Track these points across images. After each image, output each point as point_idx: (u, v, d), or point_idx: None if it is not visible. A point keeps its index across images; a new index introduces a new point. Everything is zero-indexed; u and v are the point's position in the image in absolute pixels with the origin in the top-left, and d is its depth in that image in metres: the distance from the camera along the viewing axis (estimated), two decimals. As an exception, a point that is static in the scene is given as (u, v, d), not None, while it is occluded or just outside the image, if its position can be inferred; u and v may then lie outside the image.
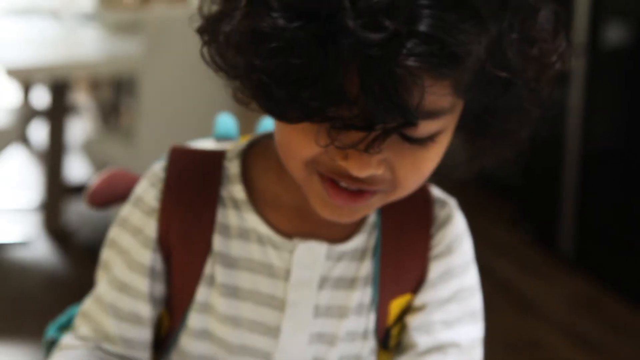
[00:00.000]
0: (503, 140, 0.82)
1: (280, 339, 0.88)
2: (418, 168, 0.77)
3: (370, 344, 0.90)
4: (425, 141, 0.74)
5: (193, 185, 0.88)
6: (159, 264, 0.89)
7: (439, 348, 0.88)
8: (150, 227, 0.88)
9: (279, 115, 0.73)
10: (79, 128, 4.45)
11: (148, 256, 0.88)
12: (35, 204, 3.65)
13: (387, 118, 0.68)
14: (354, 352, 0.90)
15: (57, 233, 3.41)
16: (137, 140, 3.00)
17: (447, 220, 0.90)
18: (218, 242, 0.87)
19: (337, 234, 0.87)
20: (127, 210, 0.90)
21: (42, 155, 3.75)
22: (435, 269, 0.89)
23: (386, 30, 0.66)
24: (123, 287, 0.89)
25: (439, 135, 0.75)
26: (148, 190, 0.89)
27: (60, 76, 3.22)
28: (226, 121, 1.00)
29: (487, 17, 0.70)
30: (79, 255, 3.27)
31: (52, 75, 3.21)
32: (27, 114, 3.64)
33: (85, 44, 3.61)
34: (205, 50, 0.77)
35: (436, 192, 0.92)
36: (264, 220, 0.87)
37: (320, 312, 0.88)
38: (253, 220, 0.87)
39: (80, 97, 4.76)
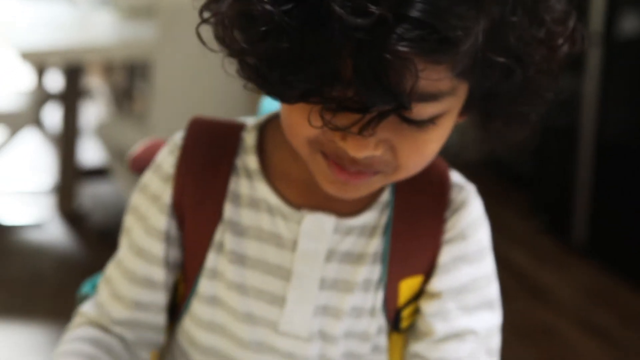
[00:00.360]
0: (513, 123, 0.81)
1: (286, 308, 0.88)
2: (419, 150, 0.77)
3: (379, 322, 0.90)
4: (425, 123, 0.74)
5: (209, 153, 0.90)
6: (173, 230, 0.91)
7: (457, 335, 0.88)
8: (166, 193, 0.90)
9: (275, 96, 0.73)
10: (93, 112, 4.46)
11: (164, 221, 0.90)
12: (48, 186, 3.66)
13: (380, 101, 0.68)
14: (361, 329, 0.90)
15: (70, 216, 3.42)
16: (150, 125, 3.00)
17: (463, 205, 0.89)
18: (229, 210, 0.89)
19: (346, 208, 0.87)
20: (147, 177, 0.93)
21: (55, 139, 3.76)
22: (448, 254, 0.88)
23: (372, 16, 0.65)
24: (140, 252, 0.91)
25: (440, 117, 0.75)
26: (166, 158, 0.91)
27: (74, 60, 3.23)
28: (271, 100, 1.01)
29: (485, 1, 0.69)
30: (92, 238, 3.28)
31: (66, 59, 3.21)
32: (41, 97, 3.65)
33: (99, 28, 3.61)
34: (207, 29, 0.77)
35: (456, 176, 0.91)
36: (275, 191, 0.88)
37: (326, 284, 0.88)
38: (264, 191, 0.88)
39: (94, 81, 4.77)
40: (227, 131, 0.91)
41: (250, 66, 0.72)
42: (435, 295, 0.89)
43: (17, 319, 2.70)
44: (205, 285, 0.90)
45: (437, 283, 0.89)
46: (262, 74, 0.71)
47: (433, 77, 0.69)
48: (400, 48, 0.65)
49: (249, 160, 0.89)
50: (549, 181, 3.50)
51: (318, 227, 0.87)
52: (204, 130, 0.91)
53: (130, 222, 0.93)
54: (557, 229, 3.40)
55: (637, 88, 3.03)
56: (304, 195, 0.87)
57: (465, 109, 0.79)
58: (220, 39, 0.75)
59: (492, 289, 0.91)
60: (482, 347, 0.89)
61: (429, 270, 0.89)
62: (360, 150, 0.74)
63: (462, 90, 0.76)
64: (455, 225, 0.89)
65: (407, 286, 0.89)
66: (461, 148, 4.40)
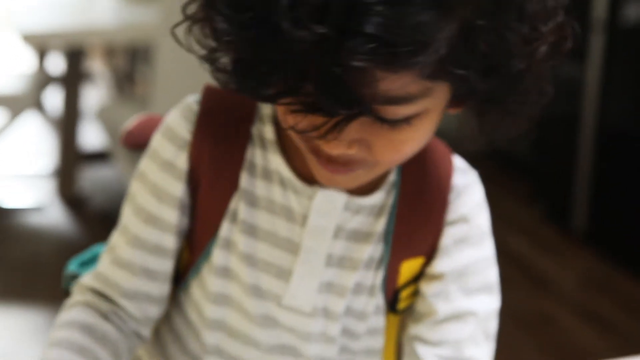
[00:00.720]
0: (506, 117, 0.80)
1: (291, 282, 0.88)
2: (395, 149, 0.76)
3: (377, 301, 0.90)
4: (399, 123, 0.73)
5: (226, 120, 0.89)
6: (186, 197, 0.90)
7: (457, 316, 0.88)
8: (182, 160, 0.89)
9: (250, 97, 0.75)
10: (94, 95, 4.45)
11: (180, 188, 0.89)
12: (49, 170, 3.66)
13: (342, 107, 0.68)
14: (359, 308, 0.90)
15: (70, 199, 3.42)
16: (151, 108, 2.99)
17: (466, 189, 0.90)
18: (244, 179, 0.88)
19: (358, 189, 0.86)
20: (157, 142, 0.90)
21: (56, 122, 3.75)
22: (450, 236, 0.89)
23: (316, 33, 0.65)
24: (149, 219, 0.90)
25: (416, 118, 0.73)
26: (180, 123, 0.89)
27: (76, 43, 3.22)
28: None
29: (454, 4, 0.67)
30: (92, 221, 3.28)
31: (67, 41, 3.20)
32: (42, 80, 3.64)
33: (101, 11, 3.60)
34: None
35: (459, 161, 0.92)
36: (289, 164, 0.87)
37: (332, 261, 0.88)
38: (277, 162, 0.87)
39: (96, 65, 4.76)
40: (243, 98, 0.88)
41: (222, 70, 0.74)
42: (436, 277, 0.89)
43: (17, 302, 2.71)
44: (218, 256, 0.89)
45: (439, 265, 0.89)
46: (232, 79, 0.73)
47: (396, 84, 0.69)
48: (353, 63, 0.65)
49: (266, 130, 0.88)
50: (550, 169, 3.50)
51: (329, 203, 0.87)
52: (220, 97, 0.90)
53: (137, 188, 0.91)
54: (558, 217, 3.40)
55: (639, 76, 3.02)
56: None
57: (455, 103, 0.78)
58: (196, 41, 0.76)
59: (492, 273, 0.91)
60: (481, 329, 0.90)
61: (430, 252, 0.89)
62: (334, 148, 0.74)
63: (441, 90, 0.74)
64: (458, 208, 0.89)
65: (408, 267, 0.90)
66: (461, 135, 4.39)
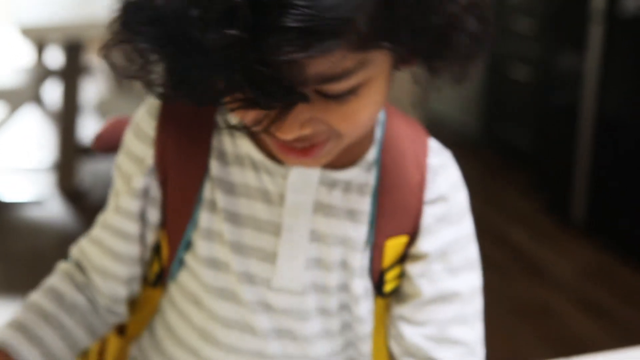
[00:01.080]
0: (453, 64, 0.79)
1: (277, 263, 0.89)
2: (350, 119, 0.76)
3: (365, 284, 0.91)
4: (344, 96, 0.73)
5: (189, 112, 0.90)
6: (154, 190, 0.92)
7: (443, 297, 0.90)
8: (149, 155, 0.91)
9: (190, 103, 0.76)
10: (93, 88, 4.45)
11: (141, 181, 0.92)
12: (48, 163, 3.66)
13: (277, 99, 0.69)
14: (350, 287, 0.91)
15: (70, 192, 3.42)
16: (150, 102, 2.99)
17: (442, 169, 0.91)
18: (216, 168, 0.90)
19: (329, 163, 0.87)
20: (127, 139, 0.94)
21: (55, 115, 3.75)
22: (430, 215, 0.90)
23: (229, 36, 0.65)
24: (117, 208, 0.94)
25: (361, 88, 0.74)
26: (145, 119, 0.92)
27: (75, 36, 3.21)
28: None
29: None
30: (92, 215, 3.25)
31: (66, 35, 3.20)
32: (41, 73, 3.64)
33: (99, 5, 3.59)
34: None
35: (432, 142, 0.93)
36: (258, 146, 0.88)
37: (315, 237, 0.89)
38: (247, 147, 0.89)
39: (94, 58, 4.75)
40: None
41: (154, 84, 0.75)
42: (420, 257, 0.90)
43: (17, 295, 2.71)
44: (203, 248, 0.91)
45: (422, 245, 0.90)
46: (165, 91, 0.74)
47: (327, 64, 0.69)
48: (278, 57, 0.65)
49: (230, 116, 0.89)
50: (549, 159, 3.50)
51: (304, 179, 0.88)
52: None
53: (115, 181, 0.96)
54: (557, 208, 3.40)
55: (638, 66, 3.02)
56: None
57: (401, 64, 0.78)
58: (119, 64, 0.76)
59: (473, 250, 0.93)
60: (465, 308, 0.91)
61: (412, 231, 0.90)
62: (287, 133, 0.74)
63: (379, 56, 0.74)
64: (436, 188, 0.90)
65: (392, 246, 0.91)
66: (462, 126, 4.40)
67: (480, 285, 0.93)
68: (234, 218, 0.90)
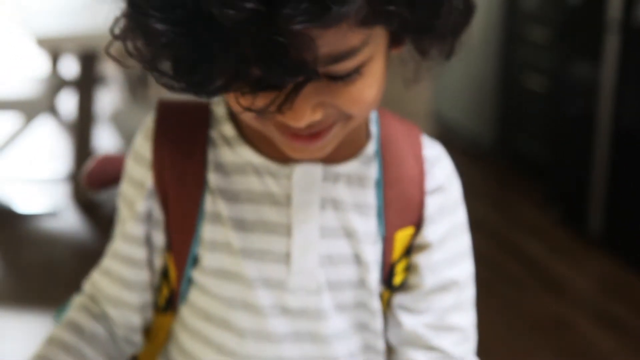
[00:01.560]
0: (440, 43, 0.82)
1: (291, 264, 0.90)
2: (358, 99, 0.78)
3: (377, 277, 0.92)
4: (350, 76, 0.76)
5: (181, 129, 0.92)
6: (156, 212, 0.93)
7: (443, 287, 0.93)
8: (146, 177, 0.93)
9: (197, 95, 0.75)
10: (108, 99, 4.46)
11: (144, 204, 0.93)
12: (63, 174, 3.67)
13: (288, 78, 0.70)
14: (364, 283, 0.92)
15: (85, 203, 3.43)
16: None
17: (438, 161, 0.95)
18: (215, 179, 0.91)
19: (330, 158, 0.89)
20: (128, 165, 0.96)
21: (70, 126, 3.76)
22: (432, 205, 0.93)
23: (247, 9, 0.66)
24: (124, 234, 0.95)
25: (365, 66, 0.77)
26: (143, 144, 0.94)
27: (89, 46, 3.22)
28: None
29: None
30: (106, 226, 3.28)
31: (81, 45, 3.21)
32: (56, 84, 3.65)
33: (114, 15, 3.60)
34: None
35: (425, 136, 0.96)
36: (258, 151, 0.90)
37: (326, 232, 0.90)
38: (247, 154, 0.90)
39: (109, 68, 4.77)
40: (196, 106, 0.94)
41: (165, 74, 0.74)
42: (424, 247, 0.93)
43: (32, 307, 2.71)
44: (212, 260, 0.91)
45: (427, 234, 0.93)
46: (177, 80, 0.74)
47: (336, 40, 0.72)
48: (291, 28, 0.67)
49: (225, 128, 0.91)
50: (565, 171, 3.48)
51: (308, 177, 0.89)
52: (173, 109, 0.94)
53: (120, 209, 0.97)
54: (573, 220, 3.38)
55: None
56: (285, 152, 0.88)
57: (395, 44, 0.82)
58: (131, 53, 0.76)
59: (467, 238, 0.96)
60: (462, 296, 0.95)
61: (417, 222, 0.93)
62: (298, 120, 0.76)
63: (379, 34, 0.77)
64: (434, 179, 0.93)
65: (401, 238, 0.93)
66: (476, 136, 4.39)
67: (473, 272, 0.97)
68: (241, 225, 0.90)
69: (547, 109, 3.73)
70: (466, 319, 0.95)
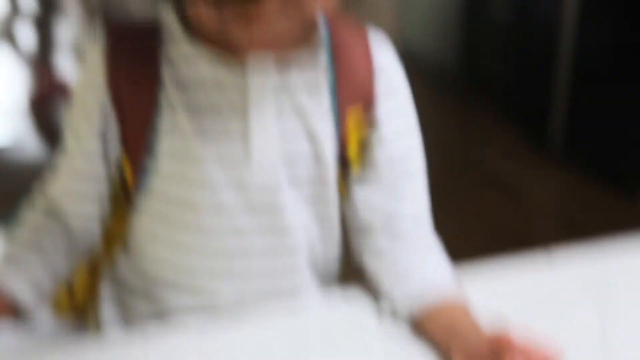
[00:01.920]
0: None
1: (251, 141, 0.92)
2: None
3: (329, 150, 0.96)
4: None
5: (133, 37, 0.94)
6: (108, 109, 0.94)
7: (392, 159, 0.99)
8: (100, 73, 0.93)
9: None
10: (66, 29, 4.40)
11: (100, 97, 0.94)
12: (23, 104, 3.63)
13: None
14: (319, 162, 0.96)
15: (47, 133, 3.40)
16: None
17: (383, 43, 1.00)
18: (168, 73, 0.92)
19: (281, 47, 0.90)
20: (78, 88, 0.97)
21: (29, 56, 3.71)
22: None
23: None
24: (79, 136, 0.96)
25: None
26: (94, 58, 0.94)
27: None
28: None
29: None
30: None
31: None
32: (14, 14, 3.59)
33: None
34: None
35: (373, 33, 1.00)
36: (207, 43, 0.92)
37: (283, 112, 0.94)
38: (199, 50, 0.92)
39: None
40: (147, 27, 0.95)
41: None
42: (373, 123, 0.98)
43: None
44: (168, 144, 0.93)
45: (374, 112, 0.98)
46: None
47: None
48: None
49: (182, 47, 0.93)
50: (528, 93, 3.50)
51: (261, 60, 0.91)
52: (124, 29, 0.95)
53: (70, 116, 0.98)
54: (535, 139, 3.42)
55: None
56: (237, 41, 0.89)
57: None
58: None
59: (413, 116, 1.02)
60: (411, 166, 1.01)
61: (366, 102, 0.98)
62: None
63: None
64: (380, 60, 0.99)
65: (352, 117, 0.97)
66: (440, 61, 4.39)
67: (422, 149, 1.02)
68: (194, 109, 0.92)
69: (511, 36, 3.74)
70: (418, 185, 1.01)
